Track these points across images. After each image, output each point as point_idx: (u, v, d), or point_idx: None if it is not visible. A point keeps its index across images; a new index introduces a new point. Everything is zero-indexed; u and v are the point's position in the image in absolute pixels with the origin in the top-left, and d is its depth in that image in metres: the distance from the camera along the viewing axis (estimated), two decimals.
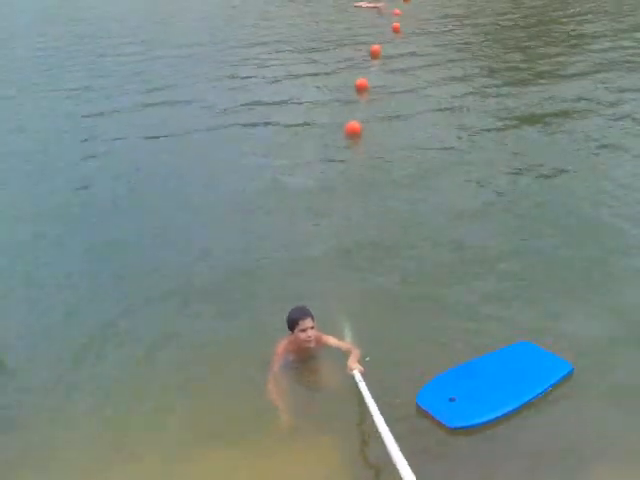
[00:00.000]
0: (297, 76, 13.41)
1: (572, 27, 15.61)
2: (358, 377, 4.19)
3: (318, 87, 12.45)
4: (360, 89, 11.80)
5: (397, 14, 15.95)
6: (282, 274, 6.01)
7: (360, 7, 19.56)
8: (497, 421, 4.00)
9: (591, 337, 4.72)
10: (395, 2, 20.26)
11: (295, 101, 11.64)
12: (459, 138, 8.96)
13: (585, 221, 6.60)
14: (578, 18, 16.49)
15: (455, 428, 3.94)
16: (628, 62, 11.50)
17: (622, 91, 10.36)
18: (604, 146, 8.54)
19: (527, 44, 14.03)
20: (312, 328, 4.52)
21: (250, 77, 13.08)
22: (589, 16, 16.03)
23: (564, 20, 16.06)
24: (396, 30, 16.28)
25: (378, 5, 19.28)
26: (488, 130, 9.23)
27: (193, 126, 10.25)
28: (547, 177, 7.73)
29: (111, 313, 5.51)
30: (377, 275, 5.91)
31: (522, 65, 12.48)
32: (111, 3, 29.22)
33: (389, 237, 6.64)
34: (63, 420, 4.33)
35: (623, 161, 7.99)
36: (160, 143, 9.72)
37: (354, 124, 9.65)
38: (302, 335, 4.51)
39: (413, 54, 14.22)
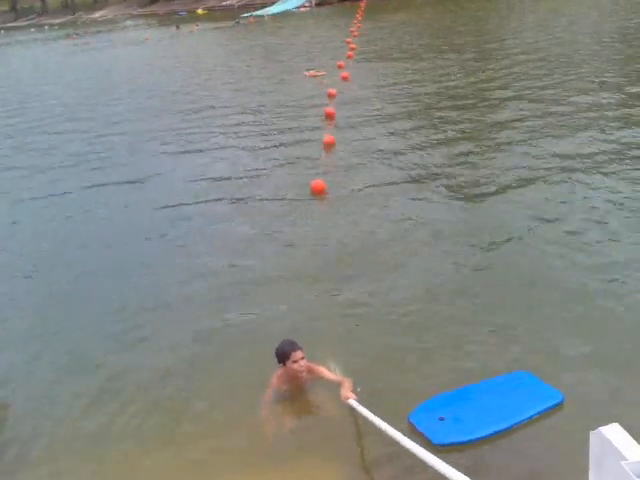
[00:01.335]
0: (255, 138, 14.17)
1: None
2: (355, 403, 4.53)
3: (279, 148, 13.11)
4: (326, 146, 12.41)
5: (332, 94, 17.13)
6: (266, 312, 6.45)
7: (310, 76, 20.68)
8: (481, 441, 4.34)
9: (585, 367, 5.04)
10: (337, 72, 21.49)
11: (256, 162, 12.26)
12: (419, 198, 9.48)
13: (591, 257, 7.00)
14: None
15: (439, 445, 4.32)
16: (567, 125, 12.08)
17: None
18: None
19: (465, 103, 14.78)
20: (303, 359, 4.88)
21: (211, 148, 13.61)
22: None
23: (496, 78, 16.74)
24: (332, 95, 17.24)
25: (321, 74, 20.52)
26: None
27: (148, 202, 10.65)
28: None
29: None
30: (368, 304, 6.42)
31: (458, 125, 13.14)
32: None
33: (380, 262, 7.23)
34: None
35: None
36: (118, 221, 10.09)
37: (319, 182, 10.06)
38: (295, 366, 4.86)
39: (361, 112, 15.08)
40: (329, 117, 14.90)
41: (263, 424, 4.79)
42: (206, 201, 10.14)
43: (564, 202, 8.45)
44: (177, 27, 56.41)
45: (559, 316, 5.80)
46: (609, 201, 8.30)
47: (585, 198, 8.52)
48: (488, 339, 5.55)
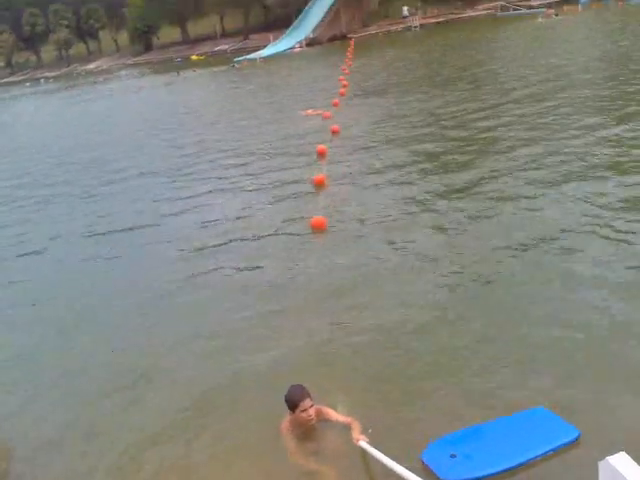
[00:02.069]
0: (247, 178, 14.40)
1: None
2: (366, 445, 4.54)
3: (274, 186, 13.22)
4: (317, 184, 12.51)
5: (327, 116, 17.29)
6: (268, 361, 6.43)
7: (307, 114, 20.91)
8: (491, 478, 4.31)
9: (602, 404, 4.97)
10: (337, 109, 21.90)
11: (252, 202, 12.39)
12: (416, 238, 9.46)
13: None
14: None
15: None
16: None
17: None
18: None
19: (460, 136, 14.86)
20: (312, 407, 4.91)
21: (209, 190, 13.77)
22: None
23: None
24: (335, 132, 17.40)
25: (320, 112, 20.68)
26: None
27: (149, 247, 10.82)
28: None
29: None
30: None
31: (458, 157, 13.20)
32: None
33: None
34: None
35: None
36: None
37: (319, 219, 10.15)
38: (304, 415, 4.88)
39: (355, 150, 15.23)
40: (321, 155, 15.04)
41: (275, 469, 4.78)
42: (205, 246, 10.16)
43: (563, 230, 8.42)
44: (177, 73, 57.18)
45: (577, 352, 5.73)
46: (605, 226, 8.30)
47: (580, 224, 8.52)
48: (504, 374, 5.52)
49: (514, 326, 6.34)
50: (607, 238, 7.99)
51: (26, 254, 11.39)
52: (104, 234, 11.74)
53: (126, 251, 10.66)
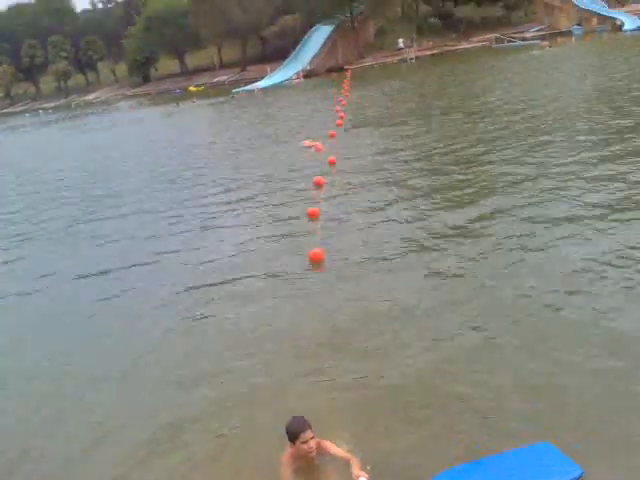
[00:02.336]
0: (246, 211, 14.47)
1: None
2: None
3: (272, 219, 13.27)
4: (314, 216, 12.57)
5: (319, 149, 17.43)
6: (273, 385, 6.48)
7: (306, 145, 21.07)
8: None
9: (607, 444, 4.96)
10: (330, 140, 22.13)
11: (250, 236, 12.42)
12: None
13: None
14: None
15: None
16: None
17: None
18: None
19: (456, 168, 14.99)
20: (312, 438, 4.91)
21: (207, 225, 13.69)
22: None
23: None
24: (332, 163, 17.57)
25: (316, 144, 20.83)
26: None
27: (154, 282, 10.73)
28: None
29: None
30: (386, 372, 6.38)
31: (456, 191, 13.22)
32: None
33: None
34: None
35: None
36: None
37: (317, 252, 10.16)
38: (305, 447, 4.89)
39: (352, 180, 15.33)
40: (318, 186, 15.16)
41: None
42: (200, 285, 10.00)
43: (565, 272, 8.37)
44: (177, 104, 57.61)
45: (586, 390, 5.72)
46: (603, 263, 8.31)
47: (583, 259, 8.50)
48: (509, 408, 5.54)
49: (520, 360, 6.36)
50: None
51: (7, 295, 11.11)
52: (93, 275, 11.38)
53: (115, 292, 10.32)
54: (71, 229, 15.27)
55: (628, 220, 9.75)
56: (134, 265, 11.55)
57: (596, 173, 12.44)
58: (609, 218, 9.97)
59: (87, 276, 11.36)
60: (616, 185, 11.51)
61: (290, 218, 12.99)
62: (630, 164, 12.65)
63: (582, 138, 15.83)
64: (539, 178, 12.71)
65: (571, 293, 7.66)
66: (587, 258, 8.49)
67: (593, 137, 15.82)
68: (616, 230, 9.40)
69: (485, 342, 6.86)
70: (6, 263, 13.21)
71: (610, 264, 8.20)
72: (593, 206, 10.62)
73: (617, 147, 14.32)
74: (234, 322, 8.43)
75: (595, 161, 13.42)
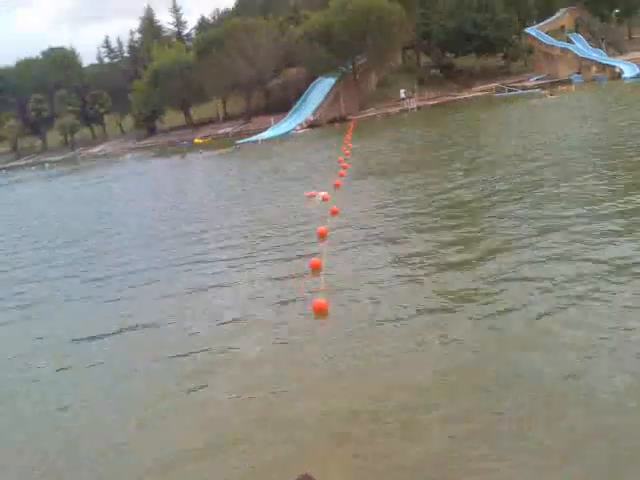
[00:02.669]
0: (246, 262, 14.40)
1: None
2: None
3: (276, 269, 13.23)
4: (317, 266, 12.48)
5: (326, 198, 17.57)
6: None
7: (308, 195, 21.20)
8: None
9: None
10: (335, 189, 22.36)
11: (252, 286, 12.41)
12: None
13: None
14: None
15: None
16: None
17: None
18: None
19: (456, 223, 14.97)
20: None
21: (207, 274, 13.72)
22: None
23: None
24: (334, 213, 17.69)
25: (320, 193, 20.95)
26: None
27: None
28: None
29: None
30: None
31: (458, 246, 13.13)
32: None
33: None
34: None
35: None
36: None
37: (321, 302, 10.12)
38: None
39: (356, 232, 15.35)
40: (322, 236, 15.17)
41: None
42: (202, 343, 9.78)
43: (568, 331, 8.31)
44: (182, 156, 58.21)
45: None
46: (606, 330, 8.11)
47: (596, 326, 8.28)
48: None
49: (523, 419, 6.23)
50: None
51: None
52: (93, 338, 10.82)
53: (101, 358, 9.88)
54: (62, 288, 14.73)
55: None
56: (127, 328, 11.09)
57: (605, 228, 12.12)
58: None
59: (78, 340, 10.89)
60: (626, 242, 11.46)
61: (294, 268, 12.95)
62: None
63: (589, 190, 15.57)
64: (548, 233, 12.28)
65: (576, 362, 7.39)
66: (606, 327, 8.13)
67: (600, 189, 15.62)
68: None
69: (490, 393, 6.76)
70: None
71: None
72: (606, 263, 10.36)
73: (624, 201, 13.99)
74: (238, 379, 8.27)
75: (603, 214, 13.20)
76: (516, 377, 7.10)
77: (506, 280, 10.17)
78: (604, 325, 7.97)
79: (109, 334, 10.85)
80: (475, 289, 10.04)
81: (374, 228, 15.45)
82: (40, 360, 10.21)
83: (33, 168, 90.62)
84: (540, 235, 12.28)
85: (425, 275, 11.29)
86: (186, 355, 9.34)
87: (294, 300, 11.00)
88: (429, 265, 11.83)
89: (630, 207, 13.24)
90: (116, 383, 8.87)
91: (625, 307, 8.40)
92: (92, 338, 10.77)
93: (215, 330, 10.22)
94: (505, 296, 9.53)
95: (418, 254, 12.66)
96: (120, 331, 10.91)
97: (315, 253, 13.54)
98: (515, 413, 6.42)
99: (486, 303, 9.38)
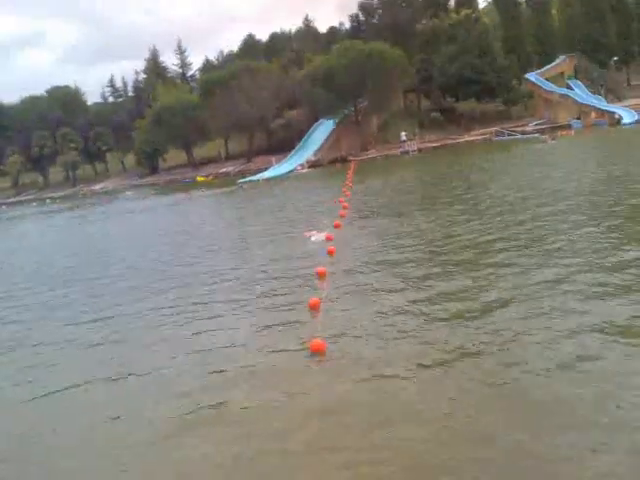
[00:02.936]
0: (244, 305, 14.20)
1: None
2: None
3: (271, 311, 13.08)
4: (315, 306, 12.44)
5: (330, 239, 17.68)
6: None
7: (307, 236, 21.15)
8: None
9: None
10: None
11: (249, 327, 12.31)
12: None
13: None
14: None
15: None
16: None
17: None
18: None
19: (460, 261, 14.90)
20: None
21: (203, 317, 13.46)
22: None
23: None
24: (331, 253, 17.73)
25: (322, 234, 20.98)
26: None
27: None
28: None
29: None
30: None
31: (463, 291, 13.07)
32: None
33: None
34: None
35: None
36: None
37: (318, 342, 10.09)
38: None
39: (357, 273, 15.23)
40: (321, 276, 15.12)
41: None
42: (196, 386, 9.60)
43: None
44: (186, 194, 58.44)
45: None
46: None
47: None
48: None
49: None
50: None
51: None
52: (77, 385, 10.44)
53: (96, 398, 9.70)
54: (59, 329, 14.38)
55: None
56: (124, 376, 10.74)
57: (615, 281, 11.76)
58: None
59: (76, 385, 10.56)
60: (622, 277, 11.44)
61: (290, 309, 12.85)
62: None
63: (590, 239, 15.34)
64: (563, 283, 11.88)
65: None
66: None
67: (602, 238, 15.46)
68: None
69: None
70: None
71: None
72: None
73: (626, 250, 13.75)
74: (235, 422, 8.16)
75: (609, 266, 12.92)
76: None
77: (503, 334, 9.86)
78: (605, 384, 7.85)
79: (94, 380, 10.57)
80: (472, 342, 9.72)
81: (373, 269, 15.38)
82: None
83: (34, 204, 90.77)
84: (539, 285, 11.95)
85: (419, 314, 11.29)
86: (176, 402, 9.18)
87: (291, 340, 10.89)
88: (423, 304, 11.81)
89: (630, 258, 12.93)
90: (95, 428, 8.68)
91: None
92: (76, 385, 10.42)
93: (206, 378, 9.98)
94: (505, 351, 9.32)
95: (412, 293, 12.70)
96: (108, 378, 10.57)
97: (313, 293, 13.48)
98: None
99: (484, 356, 9.15)
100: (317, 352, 9.92)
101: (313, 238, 20.76)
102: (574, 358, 8.49)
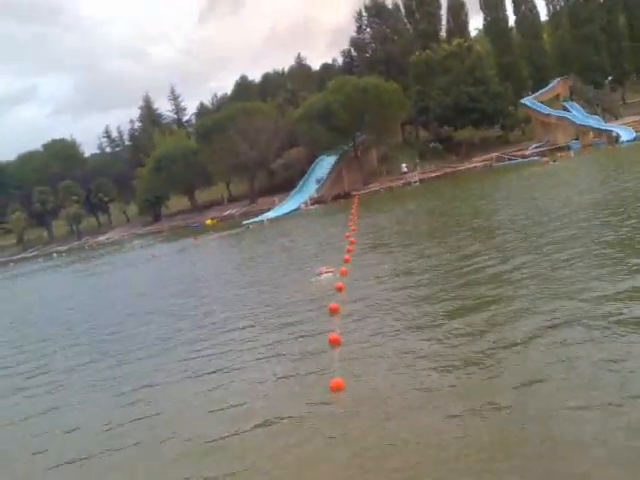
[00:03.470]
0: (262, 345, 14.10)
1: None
2: None
3: (288, 350, 12.97)
4: (333, 344, 12.33)
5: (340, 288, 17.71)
6: None
7: (320, 273, 20.89)
8: None
9: None
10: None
11: (268, 368, 12.17)
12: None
13: None
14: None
15: None
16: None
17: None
18: None
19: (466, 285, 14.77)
20: None
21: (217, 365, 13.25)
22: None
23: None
24: (340, 289, 17.62)
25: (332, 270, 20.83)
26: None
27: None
28: None
29: None
30: None
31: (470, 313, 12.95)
32: None
33: None
34: None
35: None
36: None
37: (338, 380, 10.02)
38: None
39: (369, 307, 15.12)
40: (334, 312, 15.01)
41: None
42: (213, 437, 9.30)
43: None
44: (195, 238, 58.45)
45: None
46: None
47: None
48: None
49: None
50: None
51: None
52: (88, 430, 10.63)
53: (104, 441, 9.71)
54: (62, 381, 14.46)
55: None
56: (136, 419, 10.80)
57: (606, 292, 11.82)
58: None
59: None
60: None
61: (308, 347, 12.72)
62: None
63: (595, 254, 15.36)
64: (559, 322, 11.27)
65: None
66: None
67: (605, 252, 15.50)
68: None
69: None
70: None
71: None
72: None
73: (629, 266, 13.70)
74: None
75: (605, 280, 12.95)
76: None
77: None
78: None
79: (109, 424, 10.60)
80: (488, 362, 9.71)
81: (385, 303, 15.19)
82: None
83: (40, 260, 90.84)
84: (553, 322, 11.32)
85: (436, 347, 11.11)
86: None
87: (308, 382, 10.76)
88: (439, 338, 11.63)
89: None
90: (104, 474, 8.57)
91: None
92: (87, 430, 10.48)
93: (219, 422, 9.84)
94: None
95: (428, 326, 12.52)
96: (122, 424, 10.57)
97: (327, 330, 13.34)
98: None
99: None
100: (337, 390, 9.84)
101: (323, 276, 20.59)
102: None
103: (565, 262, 15.26)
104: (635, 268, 13.33)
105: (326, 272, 20.72)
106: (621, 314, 10.62)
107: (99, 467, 9.09)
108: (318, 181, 78.24)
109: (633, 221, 18.54)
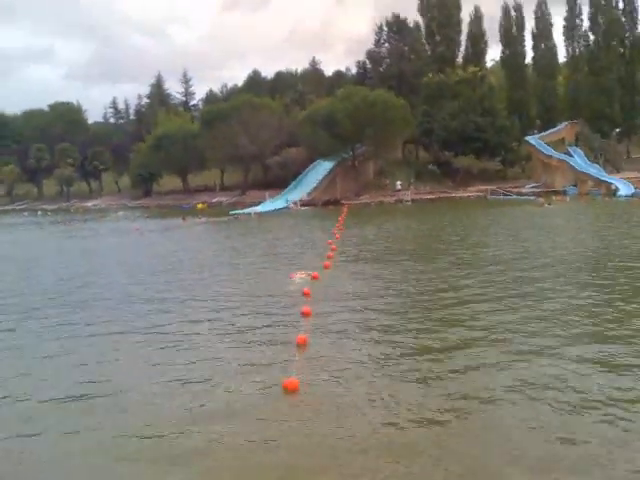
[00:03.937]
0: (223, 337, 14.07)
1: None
2: None
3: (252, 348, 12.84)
4: (299, 345, 12.35)
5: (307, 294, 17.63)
6: None
7: (294, 277, 20.79)
8: None
9: None
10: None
11: (231, 361, 12.09)
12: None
13: None
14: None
15: None
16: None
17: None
18: None
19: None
20: None
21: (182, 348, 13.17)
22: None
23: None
24: (306, 294, 17.56)
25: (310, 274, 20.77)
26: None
27: None
28: None
29: None
30: None
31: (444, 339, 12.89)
32: None
33: None
34: None
35: None
36: None
37: (292, 380, 10.05)
38: None
39: (340, 315, 15.11)
40: (305, 315, 14.98)
41: None
42: (169, 423, 9.27)
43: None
44: (183, 218, 58.22)
45: None
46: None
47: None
48: None
49: None
50: None
51: None
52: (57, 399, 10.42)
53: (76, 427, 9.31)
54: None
55: None
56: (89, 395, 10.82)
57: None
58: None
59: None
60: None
61: (268, 346, 12.67)
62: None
63: (577, 309, 14.98)
64: (533, 355, 11.47)
65: None
66: None
67: (591, 301, 15.52)
68: None
69: None
70: None
71: None
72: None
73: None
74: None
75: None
76: None
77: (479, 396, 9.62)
78: None
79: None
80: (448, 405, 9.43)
81: (358, 311, 15.29)
82: None
83: (25, 214, 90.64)
84: (523, 355, 11.41)
85: (402, 363, 11.03)
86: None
87: (264, 379, 10.67)
88: (407, 356, 11.56)
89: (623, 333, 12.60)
90: (72, 457, 8.38)
91: None
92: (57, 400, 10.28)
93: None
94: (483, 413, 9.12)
95: (395, 335, 12.42)
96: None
97: (295, 333, 13.28)
98: None
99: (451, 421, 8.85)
100: (290, 390, 9.87)
101: (297, 279, 20.44)
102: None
103: (536, 308, 15.36)
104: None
105: (300, 276, 20.60)
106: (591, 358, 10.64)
107: None
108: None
109: (609, 281, 18.58)
